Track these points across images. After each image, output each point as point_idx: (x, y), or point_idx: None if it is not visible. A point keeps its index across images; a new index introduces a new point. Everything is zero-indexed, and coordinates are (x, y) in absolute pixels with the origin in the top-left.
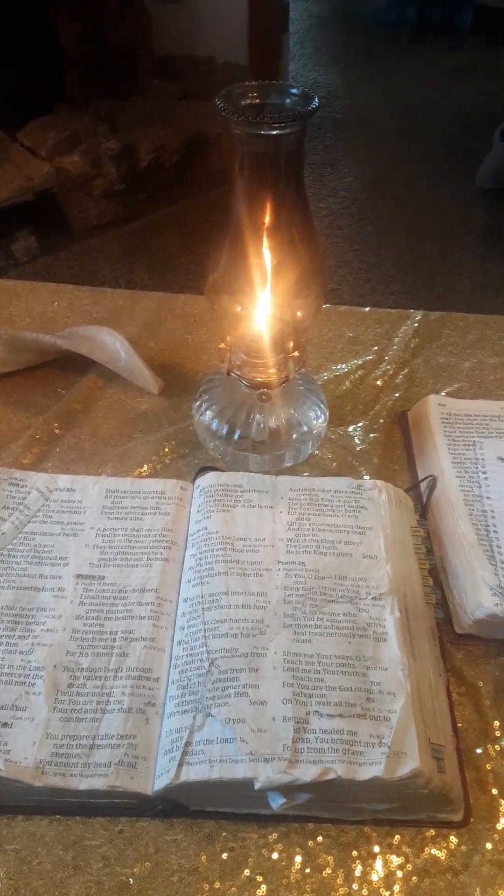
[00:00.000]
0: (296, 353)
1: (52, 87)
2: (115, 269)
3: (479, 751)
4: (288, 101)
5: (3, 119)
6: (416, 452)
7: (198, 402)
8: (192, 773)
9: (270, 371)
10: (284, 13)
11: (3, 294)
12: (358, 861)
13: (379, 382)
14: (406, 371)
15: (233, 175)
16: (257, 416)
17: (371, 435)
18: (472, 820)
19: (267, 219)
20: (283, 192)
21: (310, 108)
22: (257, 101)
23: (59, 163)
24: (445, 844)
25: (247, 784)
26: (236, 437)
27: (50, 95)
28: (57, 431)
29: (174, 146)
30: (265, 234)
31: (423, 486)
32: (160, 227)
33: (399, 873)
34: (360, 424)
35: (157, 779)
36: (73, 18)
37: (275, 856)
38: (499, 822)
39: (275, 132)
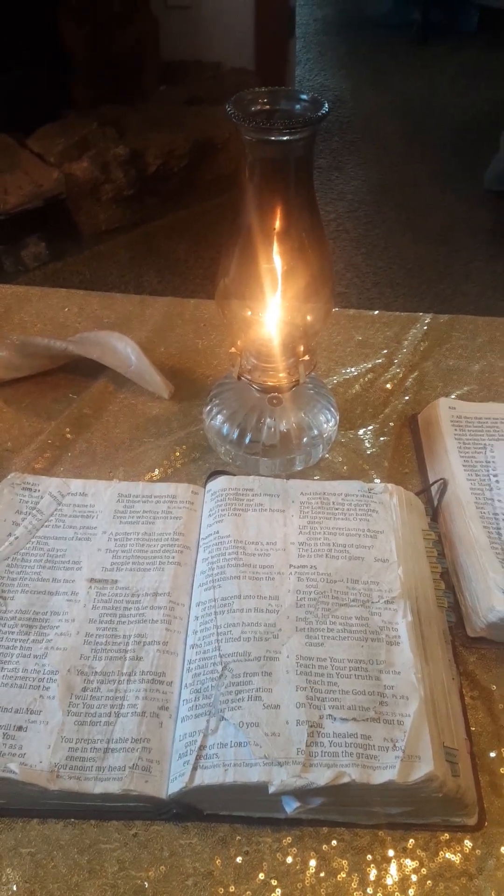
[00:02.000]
0: (306, 357)
1: (60, 93)
2: (124, 275)
3: (492, 754)
4: (298, 106)
5: (11, 125)
6: (427, 455)
7: (208, 407)
8: (206, 777)
9: (281, 375)
10: (290, 18)
11: (15, 300)
12: (372, 865)
13: (389, 386)
14: (416, 374)
15: (243, 181)
16: (268, 420)
17: (381, 438)
18: (486, 824)
19: (277, 224)
20: (292, 197)
21: (320, 114)
22: (267, 107)
23: (68, 169)
24: (460, 848)
25: (261, 788)
26: (247, 441)
27: (58, 102)
28: (69, 436)
29: (182, 151)
30: (275, 239)
31: (434, 489)
32: (169, 232)
33: (414, 877)
34: (371, 428)
35: (172, 782)
36: (80, 24)
37: (289, 860)
38: None
39: (285, 138)
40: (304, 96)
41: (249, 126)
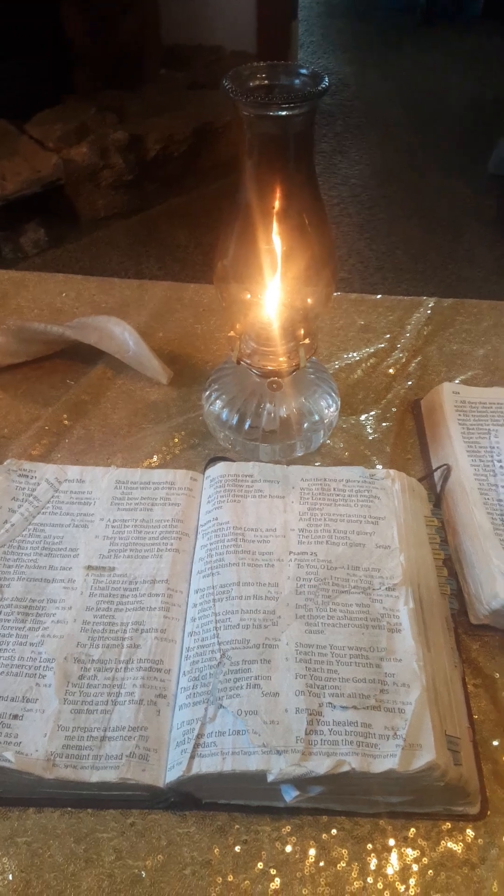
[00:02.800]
0: (306, 341)
1: (60, 78)
2: (123, 261)
3: (495, 743)
4: (297, 81)
5: (10, 111)
6: (430, 441)
7: (207, 392)
8: (203, 766)
9: (281, 359)
10: (293, 1)
11: (11, 285)
12: (373, 854)
13: (391, 370)
14: (419, 359)
15: (242, 159)
16: (268, 406)
17: (384, 424)
18: (488, 813)
19: (277, 203)
20: (292, 175)
21: (319, 89)
22: (266, 82)
23: (67, 154)
24: (462, 837)
25: (259, 776)
26: (247, 426)
27: (57, 86)
28: (66, 422)
29: (182, 136)
30: (275, 219)
31: (437, 475)
32: (169, 218)
33: (415, 867)
34: (373, 413)
35: (169, 771)
36: (81, 9)
37: (288, 849)
38: None
39: (284, 113)
40: (303, 71)
41: (247, 101)
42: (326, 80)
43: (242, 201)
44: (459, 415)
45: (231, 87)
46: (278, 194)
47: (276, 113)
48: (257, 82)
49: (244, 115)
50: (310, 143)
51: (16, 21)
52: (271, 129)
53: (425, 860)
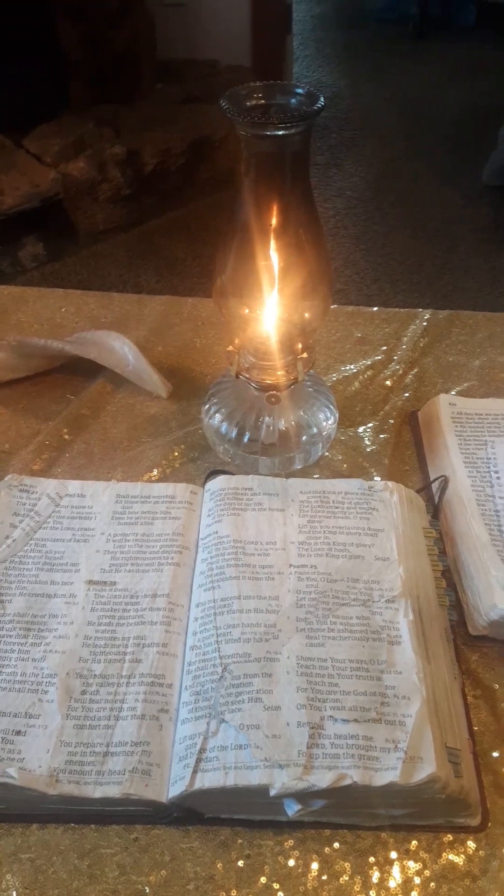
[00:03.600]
0: (304, 355)
1: (56, 93)
2: (122, 274)
3: (495, 754)
4: (293, 100)
5: (8, 126)
6: (427, 452)
7: (207, 406)
8: (206, 781)
9: (279, 373)
10: (287, 14)
11: (11, 300)
12: (375, 867)
13: (388, 382)
14: (415, 371)
15: (239, 176)
16: (266, 419)
17: (381, 436)
18: (489, 824)
19: (274, 220)
20: (289, 192)
21: (315, 108)
22: (262, 101)
23: (65, 169)
24: (463, 850)
25: (262, 791)
26: (246, 439)
27: (54, 102)
28: (66, 437)
29: (179, 150)
30: (272, 235)
31: (434, 486)
32: (167, 231)
33: (417, 879)
34: (370, 425)
35: (172, 786)
36: (76, 24)
37: (291, 863)
38: None
39: (281, 132)
40: (299, 90)
41: (244, 121)
42: (322, 99)
43: (240, 218)
44: (456, 426)
45: (228, 107)
46: (275, 211)
47: (273, 132)
48: (254, 102)
49: (241, 135)
50: (306, 161)
51: (11, 36)
52: (268, 147)
53: (427, 873)
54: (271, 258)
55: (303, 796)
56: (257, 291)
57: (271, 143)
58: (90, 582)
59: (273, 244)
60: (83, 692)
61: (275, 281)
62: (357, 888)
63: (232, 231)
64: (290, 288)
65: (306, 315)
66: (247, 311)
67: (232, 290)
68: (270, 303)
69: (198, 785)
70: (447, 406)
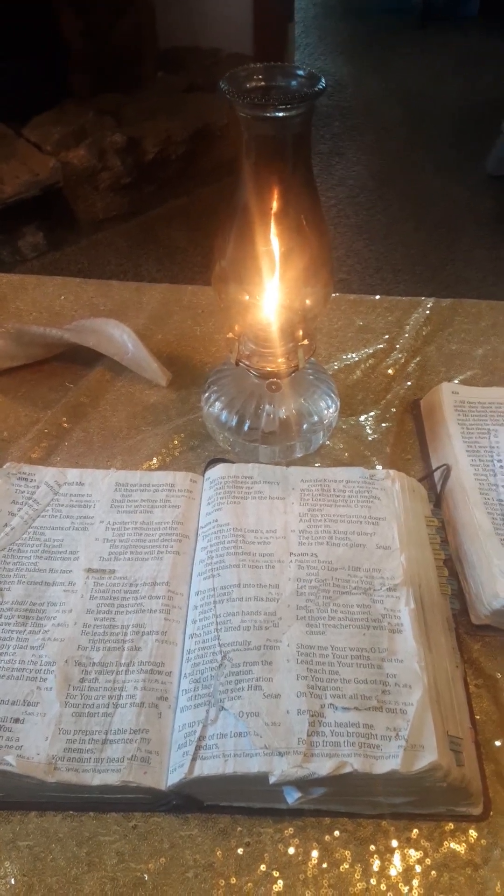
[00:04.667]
0: (305, 342)
1: (57, 81)
2: (122, 264)
3: (497, 743)
4: (294, 82)
5: (8, 114)
6: (430, 441)
7: (206, 394)
8: (205, 768)
9: (280, 360)
10: (289, 2)
11: (10, 289)
12: (376, 855)
13: (390, 371)
14: (418, 359)
15: (239, 160)
16: (267, 407)
17: (383, 424)
18: (491, 813)
19: (274, 204)
20: (290, 176)
21: (316, 90)
22: (263, 83)
23: (65, 157)
24: (465, 838)
25: (261, 778)
26: (246, 428)
27: (54, 90)
28: (65, 425)
29: (180, 138)
30: (273, 220)
31: (436, 475)
32: (167, 220)
33: (418, 868)
34: (372, 414)
35: (171, 773)
36: (77, 12)
37: (291, 850)
38: None
39: (281, 114)
40: (300, 72)
41: (244, 103)
42: (323, 81)
43: (240, 202)
44: (459, 415)
45: (228, 88)
46: (276, 195)
47: (273, 114)
48: (254, 84)
49: (241, 117)
50: (307, 144)
51: (12, 24)
52: (268, 130)
53: (428, 861)
54: (272, 243)
55: (303, 784)
56: (257, 277)
57: (271, 125)
58: (89, 570)
59: (273, 229)
60: (82, 680)
61: (275, 266)
62: (357, 876)
63: (232, 216)
64: (291, 273)
65: (307, 301)
66: (247, 297)
67: (232, 276)
68: (271, 289)
69: (197, 772)
70: (450, 395)
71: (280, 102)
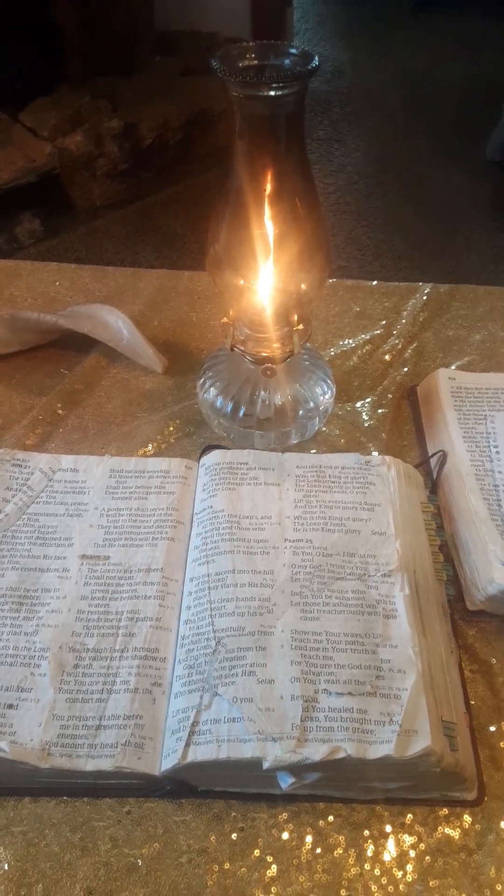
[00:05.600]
0: (300, 327)
1: (52, 66)
2: (119, 250)
3: (492, 728)
4: (287, 61)
5: (3, 100)
6: (426, 427)
7: (201, 380)
8: (199, 753)
9: (275, 345)
10: None
11: (5, 274)
12: (370, 840)
13: (387, 357)
14: (415, 345)
15: (232, 142)
16: (262, 393)
17: (379, 410)
18: (485, 798)
19: (268, 186)
20: (284, 157)
21: (309, 68)
22: (256, 62)
23: (62, 143)
24: (459, 823)
25: (255, 764)
26: (241, 414)
27: (50, 75)
28: (60, 412)
29: (177, 123)
30: (267, 202)
31: (433, 461)
32: (165, 207)
33: (412, 853)
34: (369, 400)
35: (165, 759)
36: None
37: (285, 836)
38: None
39: (274, 93)
40: (293, 50)
41: (237, 81)
42: (317, 59)
43: (234, 185)
44: (455, 401)
45: (220, 67)
46: (270, 177)
47: (266, 93)
48: (247, 62)
49: (234, 96)
50: (301, 125)
51: (7, 9)
52: (262, 109)
53: (422, 846)
54: (266, 226)
55: (296, 769)
56: (252, 261)
57: (264, 104)
58: (83, 556)
59: (268, 211)
60: (76, 666)
61: (270, 250)
62: (351, 861)
63: (225, 199)
64: (286, 257)
65: (302, 285)
66: (241, 281)
67: (226, 260)
68: (265, 272)
69: (191, 758)
70: (446, 381)
71: (273, 81)
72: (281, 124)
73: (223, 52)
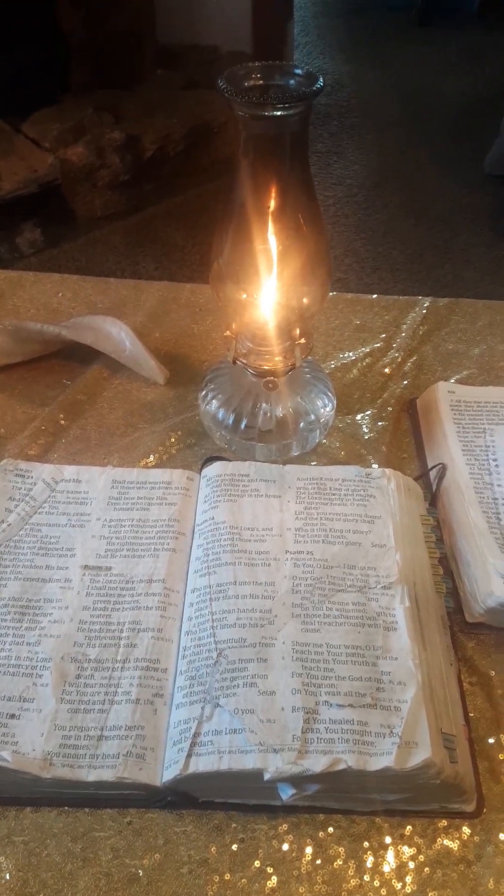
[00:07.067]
0: (302, 341)
1: (56, 77)
2: (120, 261)
3: (491, 740)
4: (292, 81)
5: (6, 110)
6: (426, 440)
7: (203, 392)
8: (200, 765)
9: (276, 359)
10: (288, 0)
11: (8, 285)
12: (369, 852)
13: (387, 370)
14: (414, 358)
15: (237, 158)
16: (264, 405)
17: (379, 423)
18: (484, 810)
19: (272, 203)
20: (288, 175)
21: (314, 89)
22: (261, 82)
23: (64, 154)
24: (458, 835)
25: (256, 775)
26: (243, 426)
27: (53, 86)
28: (62, 422)
29: (178, 136)
30: (270, 218)
31: (432, 474)
32: (165, 218)
33: (411, 864)
34: (369, 413)
35: (166, 770)
36: (76, 8)
37: (285, 847)
38: None
39: (279, 113)
40: (298, 71)
41: (242, 101)
42: (321, 80)
43: (237, 201)
44: (455, 414)
45: (226, 87)
46: (273, 194)
47: (271, 113)
48: (252, 82)
49: (239, 116)
50: (305, 143)
51: (11, 20)
52: (266, 129)
53: (422, 858)
54: (269, 241)
55: (297, 780)
56: (255, 275)
57: (269, 124)
58: (86, 567)
59: (271, 227)
60: (78, 676)
61: (273, 265)
62: (351, 872)
63: (229, 214)
64: (288, 272)
65: (304, 300)
66: (244, 295)
67: (229, 275)
68: (268, 287)
69: (192, 769)
70: (446, 394)
71: (278, 101)
72: (285, 143)
73: (229, 72)
